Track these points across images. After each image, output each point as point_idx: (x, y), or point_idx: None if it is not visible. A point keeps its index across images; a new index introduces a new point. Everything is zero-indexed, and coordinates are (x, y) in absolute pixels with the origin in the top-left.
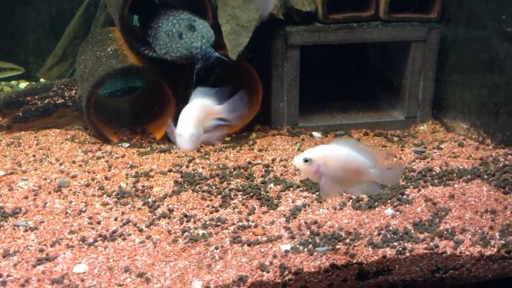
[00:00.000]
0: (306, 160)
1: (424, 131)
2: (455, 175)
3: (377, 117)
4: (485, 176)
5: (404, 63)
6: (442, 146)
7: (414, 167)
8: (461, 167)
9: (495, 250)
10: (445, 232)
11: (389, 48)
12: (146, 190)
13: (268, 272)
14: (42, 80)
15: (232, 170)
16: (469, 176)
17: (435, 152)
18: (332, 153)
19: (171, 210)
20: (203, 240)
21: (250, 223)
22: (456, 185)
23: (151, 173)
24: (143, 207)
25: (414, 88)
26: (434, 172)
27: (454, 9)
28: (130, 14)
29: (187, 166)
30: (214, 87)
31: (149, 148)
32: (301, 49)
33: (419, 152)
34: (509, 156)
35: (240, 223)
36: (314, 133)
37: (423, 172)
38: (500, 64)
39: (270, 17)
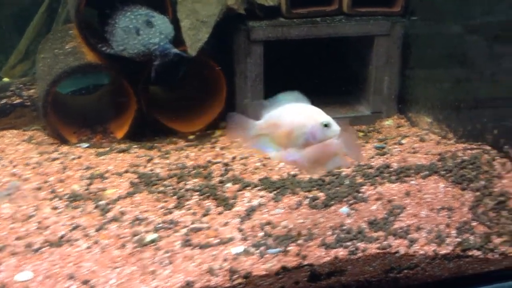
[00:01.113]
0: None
1: (389, 126)
2: (412, 171)
3: (343, 113)
4: (443, 172)
5: (369, 57)
6: (404, 141)
7: (372, 163)
8: (419, 163)
9: (450, 248)
10: (400, 230)
11: (355, 42)
12: (99, 193)
13: (216, 276)
14: (5, 79)
15: (191, 169)
16: (426, 172)
17: (395, 148)
18: None
19: (123, 213)
20: (153, 244)
21: (203, 225)
22: (412, 182)
23: (106, 175)
24: (94, 211)
25: (379, 83)
26: (391, 169)
27: (418, 2)
28: (91, 9)
29: (145, 167)
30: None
31: (108, 148)
32: (265, 44)
33: (379, 148)
34: (468, 151)
35: (193, 225)
36: None
37: (381, 169)
38: (462, 58)
39: (232, 12)
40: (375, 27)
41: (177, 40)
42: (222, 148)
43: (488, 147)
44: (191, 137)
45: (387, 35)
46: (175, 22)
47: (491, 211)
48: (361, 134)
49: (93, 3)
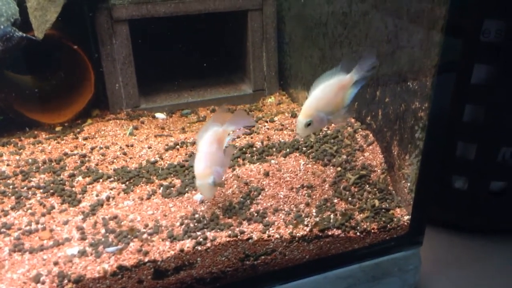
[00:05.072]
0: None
1: (271, 103)
2: (274, 149)
3: (225, 92)
4: (304, 149)
5: (245, 34)
6: (276, 118)
7: (236, 144)
8: (282, 141)
9: (307, 230)
10: (255, 214)
11: (231, 19)
12: None
13: (43, 283)
14: None
15: (41, 164)
16: (288, 150)
17: (264, 126)
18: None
19: None
20: None
21: (39, 226)
22: (273, 161)
23: None
24: None
25: (258, 60)
26: (254, 148)
27: None
28: None
29: None
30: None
31: None
32: (131, 23)
33: (248, 127)
34: (332, 124)
35: (28, 227)
36: (158, 114)
37: (244, 149)
38: (325, 31)
39: None
40: (246, 1)
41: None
42: (85, 139)
43: (352, 120)
44: (58, 128)
45: (259, 9)
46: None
47: (353, 186)
48: None
49: None
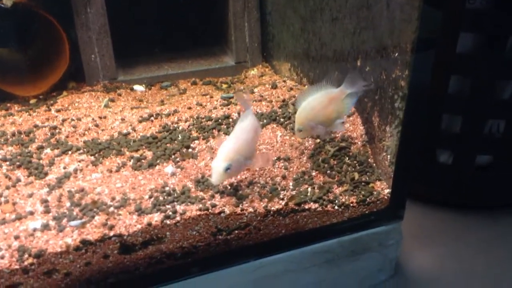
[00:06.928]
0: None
1: (254, 75)
2: None
3: (206, 64)
4: (281, 120)
5: (226, 4)
6: (256, 90)
7: (212, 115)
8: (259, 112)
9: (283, 203)
10: (229, 187)
11: None
12: None
13: (2, 258)
14: None
15: (9, 136)
16: (265, 121)
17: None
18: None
19: None
20: None
21: (2, 199)
22: None
23: None
24: None
25: (240, 31)
26: (231, 119)
27: None
28: None
29: None
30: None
31: None
32: None
33: (226, 98)
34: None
35: None
36: (136, 87)
37: (220, 120)
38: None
39: None
40: None
41: None
42: (58, 111)
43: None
44: (33, 101)
45: None
46: None
47: (333, 158)
48: (225, 86)
49: None
